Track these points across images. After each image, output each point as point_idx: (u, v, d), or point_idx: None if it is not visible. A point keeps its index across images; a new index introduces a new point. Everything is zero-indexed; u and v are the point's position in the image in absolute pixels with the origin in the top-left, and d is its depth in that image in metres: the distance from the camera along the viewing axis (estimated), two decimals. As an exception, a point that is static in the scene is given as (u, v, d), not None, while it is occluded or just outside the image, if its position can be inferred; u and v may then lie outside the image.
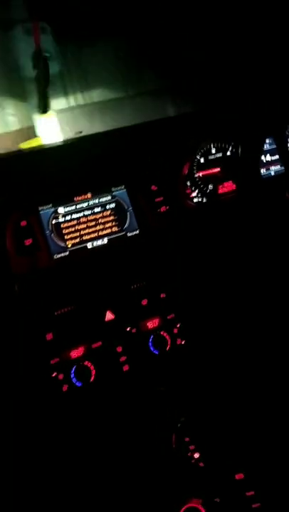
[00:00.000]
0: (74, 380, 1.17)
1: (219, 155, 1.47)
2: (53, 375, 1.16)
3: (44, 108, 1.52)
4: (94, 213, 1.30)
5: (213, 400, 1.26)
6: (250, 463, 1.10)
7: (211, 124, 1.46)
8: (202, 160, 1.46)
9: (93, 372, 1.19)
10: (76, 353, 1.19)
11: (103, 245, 1.30)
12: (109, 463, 1.14)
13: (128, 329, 1.26)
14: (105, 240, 1.31)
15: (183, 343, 1.29)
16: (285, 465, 1.12)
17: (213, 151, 1.47)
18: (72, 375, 1.17)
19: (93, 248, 1.29)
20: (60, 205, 1.27)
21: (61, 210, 1.27)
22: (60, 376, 1.17)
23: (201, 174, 1.45)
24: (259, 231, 1.46)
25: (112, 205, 1.32)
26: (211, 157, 1.47)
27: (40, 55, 1.47)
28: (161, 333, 1.28)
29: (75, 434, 1.17)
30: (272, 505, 1.03)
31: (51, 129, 1.58)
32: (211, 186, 1.46)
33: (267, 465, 1.11)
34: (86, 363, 1.19)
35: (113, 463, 1.14)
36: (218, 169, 1.47)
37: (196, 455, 1.10)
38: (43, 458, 1.14)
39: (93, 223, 1.30)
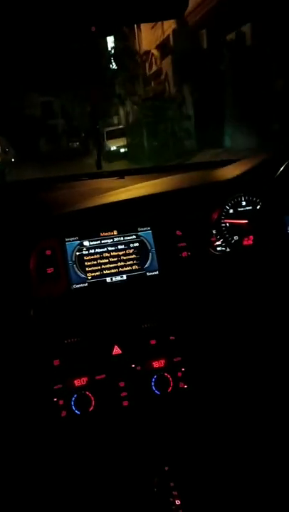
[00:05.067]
0: (73, 408, 1.22)
1: (249, 208, 1.50)
2: (54, 399, 1.21)
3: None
4: (117, 250, 1.36)
5: (205, 449, 1.27)
6: None
7: (245, 177, 1.50)
8: (231, 210, 1.49)
9: (93, 402, 1.24)
10: (79, 382, 1.24)
11: (122, 281, 1.35)
12: (93, 489, 1.18)
13: (133, 366, 1.30)
14: (124, 277, 1.36)
15: (185, 387, 1.32)
16: None
17: (244, 203, 1.50)
18: (72, 403, 1.22)
19: (112, 283, 1.35)
20: (85, 239, 1.34)
21: (86, 243, 1.33)
22: (61, 402, 1.22)
23: (228, 224, 1.48)
24: (277, 286, 1.47)
25: (136, 244, 1.38)
26: (241, 209, 1.50)
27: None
28: (165, 374, 1.31)
29: (65, 459, 1.21)
30: None
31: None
32: (236, 237, 1.49)
33: None
34: (87, 393, 1.24)
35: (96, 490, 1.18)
36: (245, 221, 1.49)
37: (177, 502, 1.12)
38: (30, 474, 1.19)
39: (115, 259, 1.36)
